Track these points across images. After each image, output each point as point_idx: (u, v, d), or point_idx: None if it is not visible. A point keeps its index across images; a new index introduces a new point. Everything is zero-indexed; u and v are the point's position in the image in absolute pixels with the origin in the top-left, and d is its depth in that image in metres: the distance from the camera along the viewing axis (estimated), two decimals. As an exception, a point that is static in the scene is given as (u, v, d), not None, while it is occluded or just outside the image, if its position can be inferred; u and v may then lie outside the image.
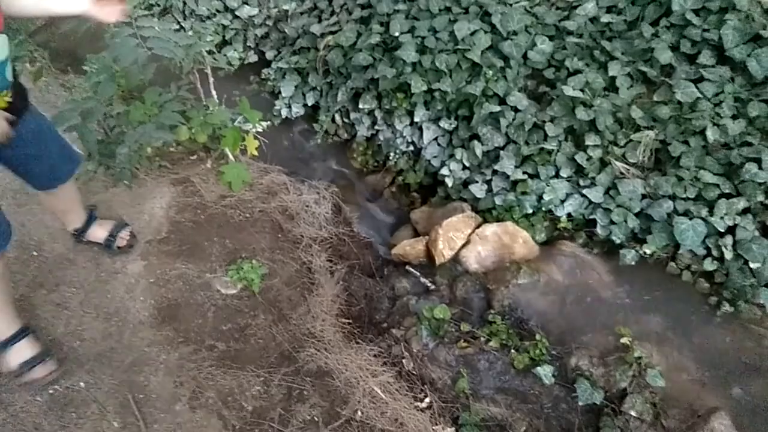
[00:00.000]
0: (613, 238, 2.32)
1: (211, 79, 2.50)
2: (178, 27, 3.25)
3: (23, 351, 1.79)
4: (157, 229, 2.28)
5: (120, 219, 2.24)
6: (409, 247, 2.44)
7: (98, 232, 2.14)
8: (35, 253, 2.14)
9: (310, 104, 3.14)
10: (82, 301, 2.02)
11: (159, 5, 3.39)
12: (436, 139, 2.69)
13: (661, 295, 2.20)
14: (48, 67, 2.43)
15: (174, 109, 2.24)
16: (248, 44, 3.40)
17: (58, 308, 2.00)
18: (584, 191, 2.38)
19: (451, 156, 2.60)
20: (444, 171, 2.60)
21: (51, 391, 1.82)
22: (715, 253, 2.14)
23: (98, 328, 1.96)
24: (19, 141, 1.56)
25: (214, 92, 2.53)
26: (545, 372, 1.99)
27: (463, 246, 2.33)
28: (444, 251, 2.32)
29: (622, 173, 2.36)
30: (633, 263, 2.25)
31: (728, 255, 2.09)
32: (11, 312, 1.80)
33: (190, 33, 3.17)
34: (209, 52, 2.41)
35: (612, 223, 2.35)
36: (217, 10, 3.38)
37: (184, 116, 2.32)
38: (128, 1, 1.80)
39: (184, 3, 3.28)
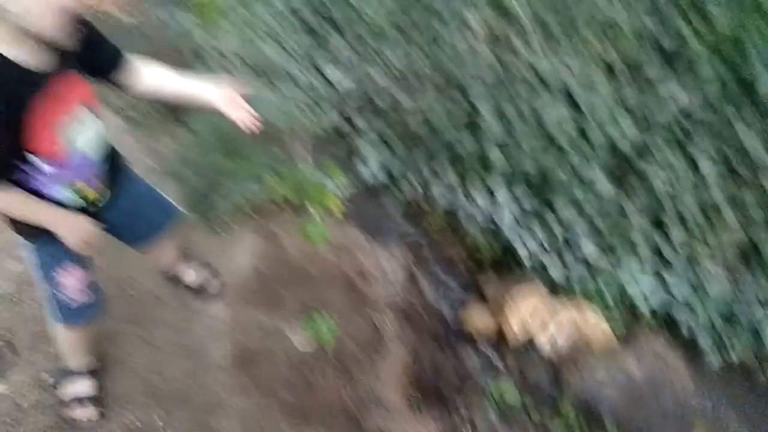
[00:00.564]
0: (697, 338, 2.24)
1: (305, 141, 2.67)
2: (277, 90, 3.49)
3: (78, 387, 1.91)
4: (242, 277, 2.40)
5: (210, 264, 2.37)
6: (480, 321, 2.43)
7: (190, 275, 2.27)
8: (130, 291, 2.29)
9: (392, 171, 3.26)
10: (166, 338, 2.14)
11: (255, 68, 3.67)
12: (514, 214, 2.72)
13: (747, 405, 2.08)
14: (156, 119, 2.67)
15: (269, 166, 2.40)
16: (337, 109, 3.60)
17: (145, 344, 2.12)
18: (668, 286, 2.32)
19: (529, 233, 2.61)
20: (520, 248, 2.60)
21: (127, 422, 1.91)
22: (809, 363, 2.02)
23: (179, 367, 2.05)
24: (115, 209, 1.66)
25: (306, 153, 2.69)
26: (617, 470, 1.90)
27: (537, 327, 2.30)
28: (517, 330, 2.29)
29: (708, 270, 2.29)
30: (717, 367, 2.14)
31: (824, 368, 1.97)
32: (86, 349, 1.92)
33: (288, 96, 3.39)
34: (306, 117, 2.59)
35: (696, 322, 2.27)
36: (311, 78, 3.61)
37: (277, 173, 2.47)
38: (240, 69, 1.98)
39: (283, 68, 3.54)
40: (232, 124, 1.58)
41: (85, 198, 1.51)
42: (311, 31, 3.96)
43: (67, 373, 1.92)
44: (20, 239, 1.54)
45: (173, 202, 1.99)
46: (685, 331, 2.28)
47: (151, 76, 1.57)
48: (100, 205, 1.59)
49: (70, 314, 1.69)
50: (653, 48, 2.91)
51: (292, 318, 2.29)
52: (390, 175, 3.30)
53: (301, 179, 2.56)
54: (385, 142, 3.31)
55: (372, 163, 3.29)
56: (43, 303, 1.68)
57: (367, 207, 3.18)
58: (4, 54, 1.17)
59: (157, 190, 1.93)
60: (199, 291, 2.27)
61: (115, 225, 1.73)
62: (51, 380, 1.99)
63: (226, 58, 3.40)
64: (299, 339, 2.21)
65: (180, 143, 2.76)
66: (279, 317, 2.28)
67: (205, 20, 3.51)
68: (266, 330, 2.22)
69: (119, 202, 1.67)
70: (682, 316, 2.29)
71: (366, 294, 2.51)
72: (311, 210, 2.68)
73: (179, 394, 1.98)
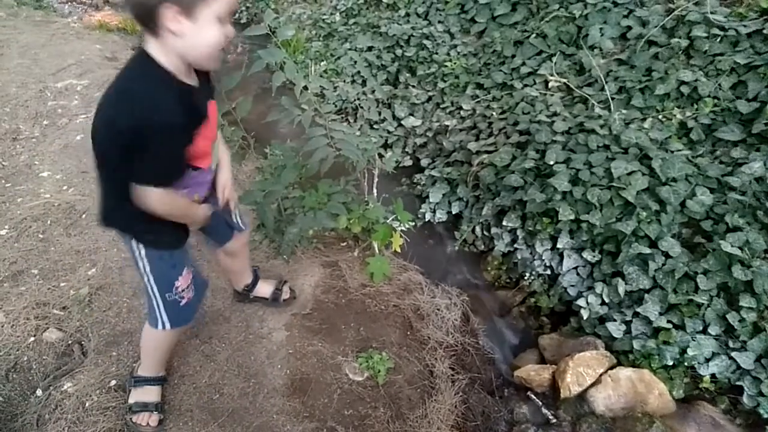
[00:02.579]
0: (761, 411, 2.15)
1: (375, 179, 2.76)
2: (354, 128, 3.64)
3: (147, 394, 2.00)
4: (303, 305, 2.48)
5: (279, 276, 2.47)
6: (534, 372, 2.41)
7: (264, 289, 2.42)
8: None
9: (454, 212, 3.31)
10: (228, 357, 2.22)
11: (336, 105, 3.84)
12: (576, 268, 2.69)
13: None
14: (244, 148, 2.84)
15: (340, 200, 2.49)
16: (406, 150, 3.71)
17: (206, 359, 2.20)
18: (733, 354, 2.24)
19: (590, 288, 2.59)
20: (580, 302, 2.57)
21: (185, 437, 1.98)
22: None
23: (237, 386, 2.12)
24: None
25: (375, 190, 2.77)
26: None
27: (593, 385, 2.25)
28: (571, 386, 2.26)
29: (775, 340, 2.21)
30: (783, 443, 2.04)
31: None
32: (164, 359, 2.05)
33: (358, 133, 3.53)
34: (379, 155, 2.69)
35: (761, 394, 2.18)
36: (385, 118, 3.75)
37: (346, 208, 2.56)
38: (323, 106, 2.09)
39: (360, 107, 3.69)
40: None
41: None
42: (389, 74, 4.12)
43: (139, 379, 2.03)
44: (141, 252, 1.63)
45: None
46: (747, 400, 2.20)
47: None
48: None
49: (182, 314, 1.81)
50: (730, 112, 2.88)
51: (348, 350, 2.34)
52: (452, 216, 3.35)
53: (367, 215, 2.64)
54: (450, 184, 3.37)
55: (435, 204, 3.35)
56: (154, 311, 1.76)
57: (427, 246, 3.24)
58: (185, 81, 1.39)
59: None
60: (277, 301, 2.42)
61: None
62: (114, 383, 2.10)
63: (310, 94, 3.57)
64: (354, 371, 2.25)
65: (261, 173, 2.90)
66: (336, 348, 2.33)
67: (293, 57, 3.70)
68: (323, 359, 2.27)
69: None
70: (745, 385, 2.21)
71: (421, 332, 2.54)
72: (374, 245, 2.75)
73: (235, 413, 2.04)
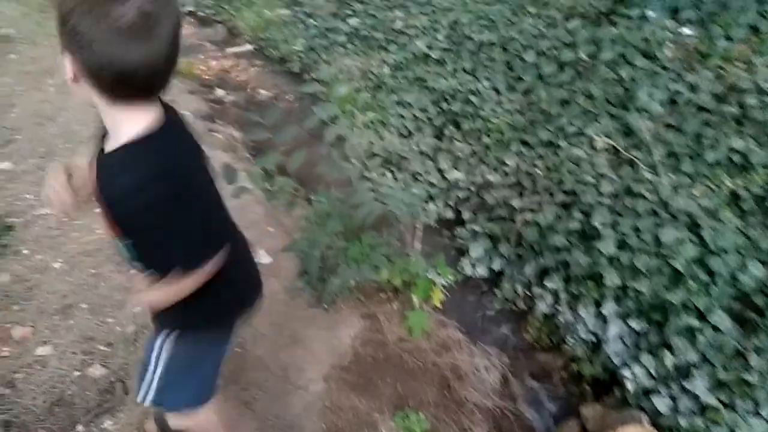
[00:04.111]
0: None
1: (417, 232, 2.78)
2: (400, 182, 3.69)
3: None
4: (342, 356, 2.48)
5: None
6: (574, 442, 2.33)
7: None
8: (239, 350, 2.43)
9: (495, 269, 3.28)
10: (265, 406, 2.22)
11: (381, 157, 3.90)
12: (621, 336, 2.63)
13: None
14: (290, 195, 2.90)
15: (383, 252, 2.52)
16: (449, 203, 3.72)
17: (244, 407, 2.21)
18: (787, 438, 2.14)
19: (636, 359, 2.51)
20: (625, 372, 2.49)
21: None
22: None
23: (273, 438, 2.12)
24: None
25: (417, 243, 2.79)
26: None
27: (637, 460, 2.17)
28: (614, 459, 2.18)
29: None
30: None
31: None
32: None
33: (402, 186, 3.57)
34: (421, 208, 2.72)
35: (818, 484, 2.06)
36: (428, 170, 3.79)
37: (388, 260, 2.58)
38: (370, 160, 2.11)
39: (404, 159, 3.75)
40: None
41: None
42: (435, 128, 4.20)
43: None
44: (163, 335, 1.47)
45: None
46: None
47: None
48: None
49: (191, 399, 1.59)
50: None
51: (385, 407, 2.31)
52: (493, 273, 3.32)
53: (409, 268, 2.66)
54: (492, 240, 3.36)
55: (476, 259, 3.34)
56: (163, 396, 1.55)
57: (467, 301, 3.21)
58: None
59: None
60: None
61: None
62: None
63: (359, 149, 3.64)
64: (390, 430, 2.22)
65: (306, 220, 2.95)
66: (372, 404, 2.31)
67: (344, 112, 3.81)
68: (359, 416, 2.25)
69: None
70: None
71: (458, 393, 2.50)
72: (414, 299, 2.75)
73: (270, 466, 2.04)
